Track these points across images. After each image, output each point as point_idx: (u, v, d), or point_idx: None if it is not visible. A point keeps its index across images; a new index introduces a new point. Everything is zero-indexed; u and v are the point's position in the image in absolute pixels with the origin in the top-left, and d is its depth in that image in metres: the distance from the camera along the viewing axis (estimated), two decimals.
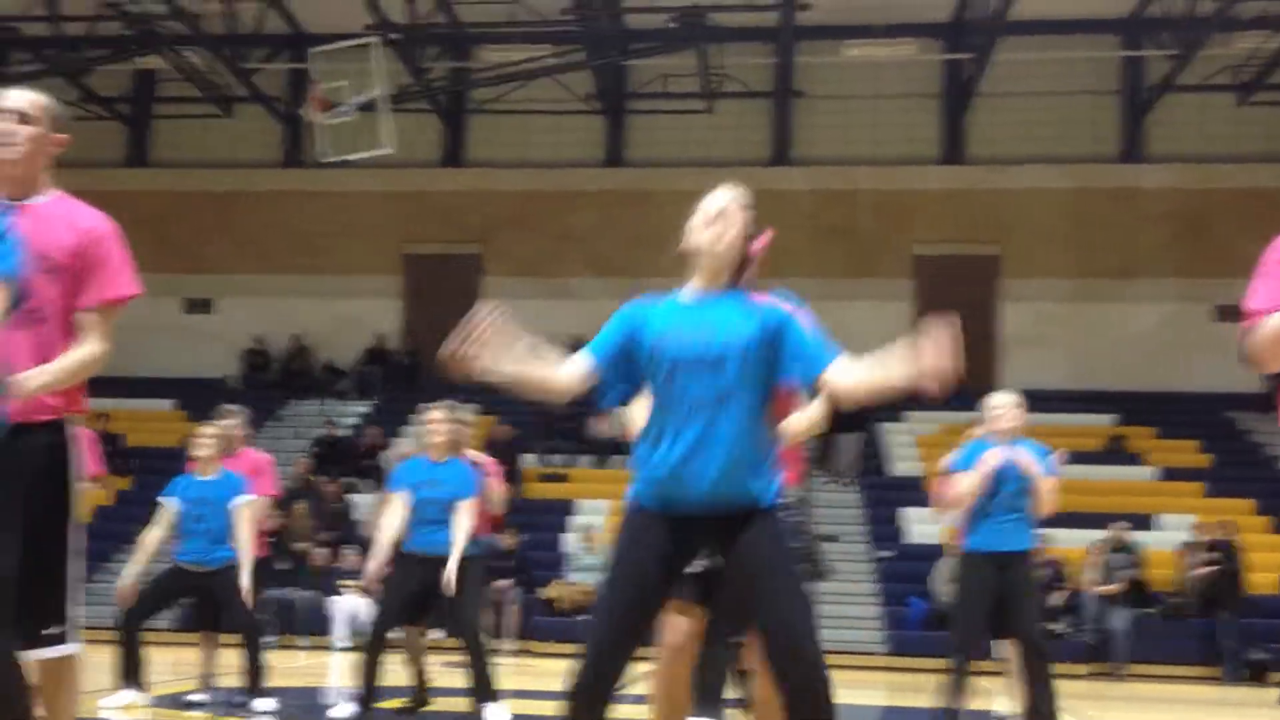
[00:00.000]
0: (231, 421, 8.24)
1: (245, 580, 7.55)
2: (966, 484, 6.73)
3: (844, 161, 21.26)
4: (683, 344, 3.53)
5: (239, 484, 7.71)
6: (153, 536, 7.78)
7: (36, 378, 3.37)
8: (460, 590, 7.16)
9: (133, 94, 22.56)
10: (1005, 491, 6.71)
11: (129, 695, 7.44)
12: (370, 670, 7.27)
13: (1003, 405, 6.86)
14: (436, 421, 7.42)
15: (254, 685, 7.58)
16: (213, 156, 22.37)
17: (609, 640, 3.50)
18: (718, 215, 3.69)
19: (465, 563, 7.24)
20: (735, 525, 3.47)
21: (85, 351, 3.50)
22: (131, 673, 7.48)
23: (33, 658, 3.37)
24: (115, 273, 3.59)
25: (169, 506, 7.75)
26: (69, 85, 20.78)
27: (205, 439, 7.79)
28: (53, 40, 19.98)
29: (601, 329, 3.70)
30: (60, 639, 3.41)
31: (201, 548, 7.62)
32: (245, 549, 7.62)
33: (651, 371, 3.57)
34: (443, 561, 7.18)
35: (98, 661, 7.00)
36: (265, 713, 7.51)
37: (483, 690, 7.24)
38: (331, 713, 7.33)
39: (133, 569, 7.78)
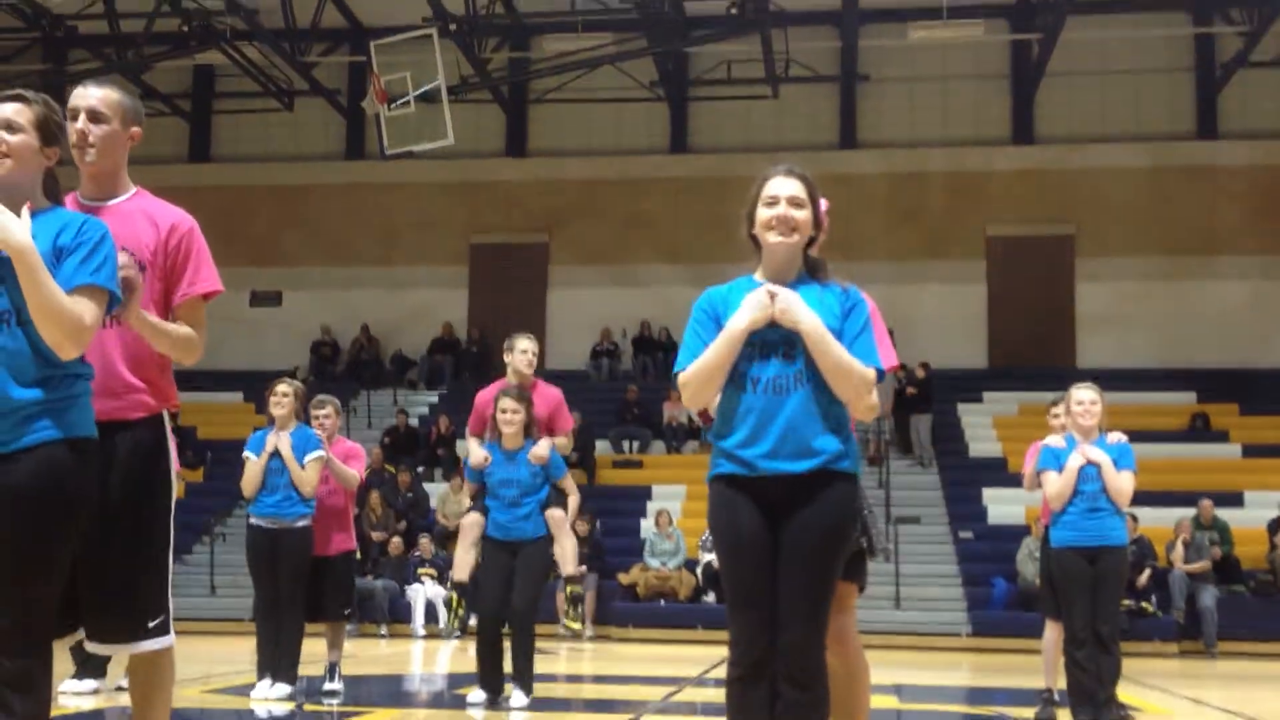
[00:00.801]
0: (325, 411, 8.07)
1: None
2: (1054, 489, 6.62)
3: (914, 144, 21.01)
4: (762, 329, 3.54)
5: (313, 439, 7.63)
6: None
7: (144, 318, 3.34)
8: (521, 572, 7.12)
9: (193, 90, 22.75)
10: (1086, 491, 6.60)
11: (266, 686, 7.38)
12: (487, 656, 7.17)
13: (1085, 401, 6.72)
14: (510, 410, 7.27)
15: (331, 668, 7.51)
16: (275, 151, 22.50)
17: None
18: (787, 203, 3.61)
19: (526, 544, 7.10)
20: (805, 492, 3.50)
21: (187, 330, 3.47)
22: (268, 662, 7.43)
23: (138, 650, 3.35)
24: (202, 267, 3.53)
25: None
26: (129, 82, 20.99)
27: (280, 396, 7.68)
28: (111, 38, 20.18)
29: (691, 330, 3.63)
30: (163, 630, 3.38)
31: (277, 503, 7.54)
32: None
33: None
34: (521, 545, 7.11)
35: (187, 653, 6.98)
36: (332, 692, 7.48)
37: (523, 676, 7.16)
38: (470, 697, 7.25)
39: None
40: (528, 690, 7.09)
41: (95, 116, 3.48)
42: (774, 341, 3.53)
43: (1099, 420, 6.70)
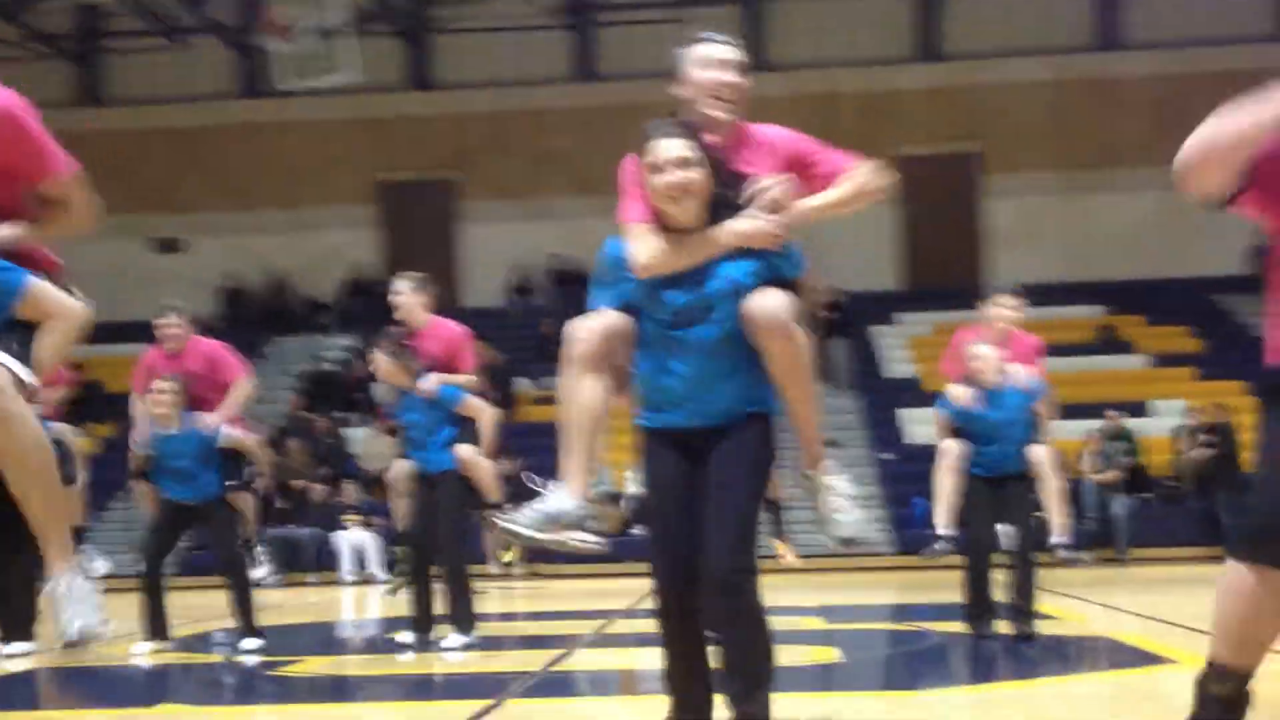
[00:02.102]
0: (170, 319, 7.88)
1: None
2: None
3: (822, 64, 20.94)
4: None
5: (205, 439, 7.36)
6: None
7: None
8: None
9: (78, 30, 21.89)
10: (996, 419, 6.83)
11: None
12: (415, 593, 7.13)
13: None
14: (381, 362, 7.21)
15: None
16: (169, 91, 21.77)
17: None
18: (676, 165, 3.47)
19: (441, 477, 7.06)
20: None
21: None
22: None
23: None
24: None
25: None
26: (7, 24, 20.16)
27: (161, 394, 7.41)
28: None
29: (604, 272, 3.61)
30: None
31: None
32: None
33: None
34: (439, 478, 7.04)
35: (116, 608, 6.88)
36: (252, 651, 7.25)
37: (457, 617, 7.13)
38: (399, 638, 7.21)
39: None
40: (464, 630, 7.02)
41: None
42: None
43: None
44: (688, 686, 3.60)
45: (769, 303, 3.46)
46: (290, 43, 17.51)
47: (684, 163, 3.47)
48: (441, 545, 7.00)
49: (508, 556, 7.64)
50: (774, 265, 3.56)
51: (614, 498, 15.21)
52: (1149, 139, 20.42)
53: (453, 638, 6.95)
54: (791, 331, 3.46)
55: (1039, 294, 18.53)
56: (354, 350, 19.84)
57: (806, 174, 3.75)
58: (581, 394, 3.56)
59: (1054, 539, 7.32)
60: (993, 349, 7.00)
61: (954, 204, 20.86)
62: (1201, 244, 19.33)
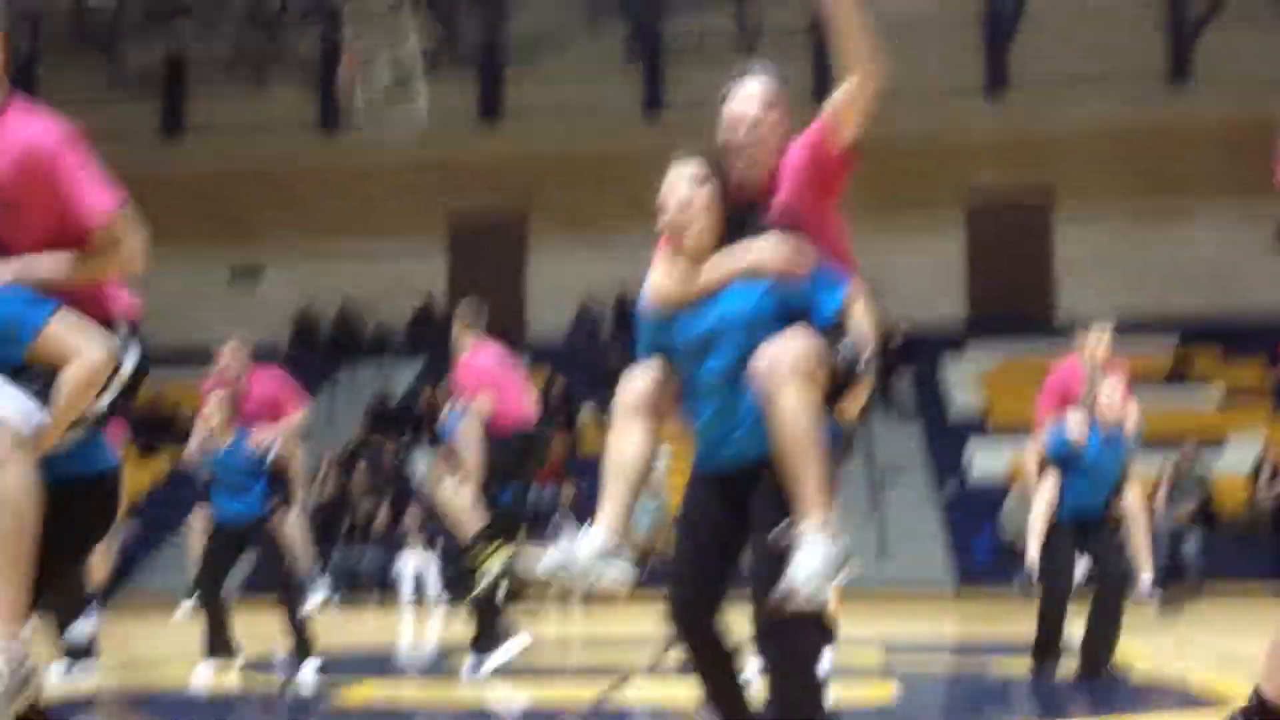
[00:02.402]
0: (229, 347, 8.04)
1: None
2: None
3: (887, 96, 20.85)
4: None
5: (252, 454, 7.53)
6: None
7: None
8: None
9: (165, 68, 22.51)
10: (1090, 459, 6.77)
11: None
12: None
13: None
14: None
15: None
16: (250, 127, 22.30)
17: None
18: (674, 205, 3.56)
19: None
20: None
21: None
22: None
23: None
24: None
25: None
26: (100, 62, 20.78)
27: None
28: (80, 18, 19.89)
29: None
30: None
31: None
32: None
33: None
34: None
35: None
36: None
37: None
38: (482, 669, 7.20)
39: None
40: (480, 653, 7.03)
41: None
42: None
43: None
44: (726, 710, 3.61)
45: (774, 349, 3.30)
46: (366, 81, 17.86)
47: (680, 203, 3.52)
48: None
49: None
50: (794, 297, 3.44)
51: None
52: (1220, 173, 20.19)
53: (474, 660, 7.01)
54: (788, 385, 3.25)
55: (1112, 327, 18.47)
56: (421, 377, 20.10)
57: (821, 152, 3.64)
58: (622, 441, 3.56)
59: (1142, 583, 7.19)
60: (1115, 388, 6.86)
61: (1023, 235, 20.71)
62: (1276, 277, 19.03)
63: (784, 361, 3.27)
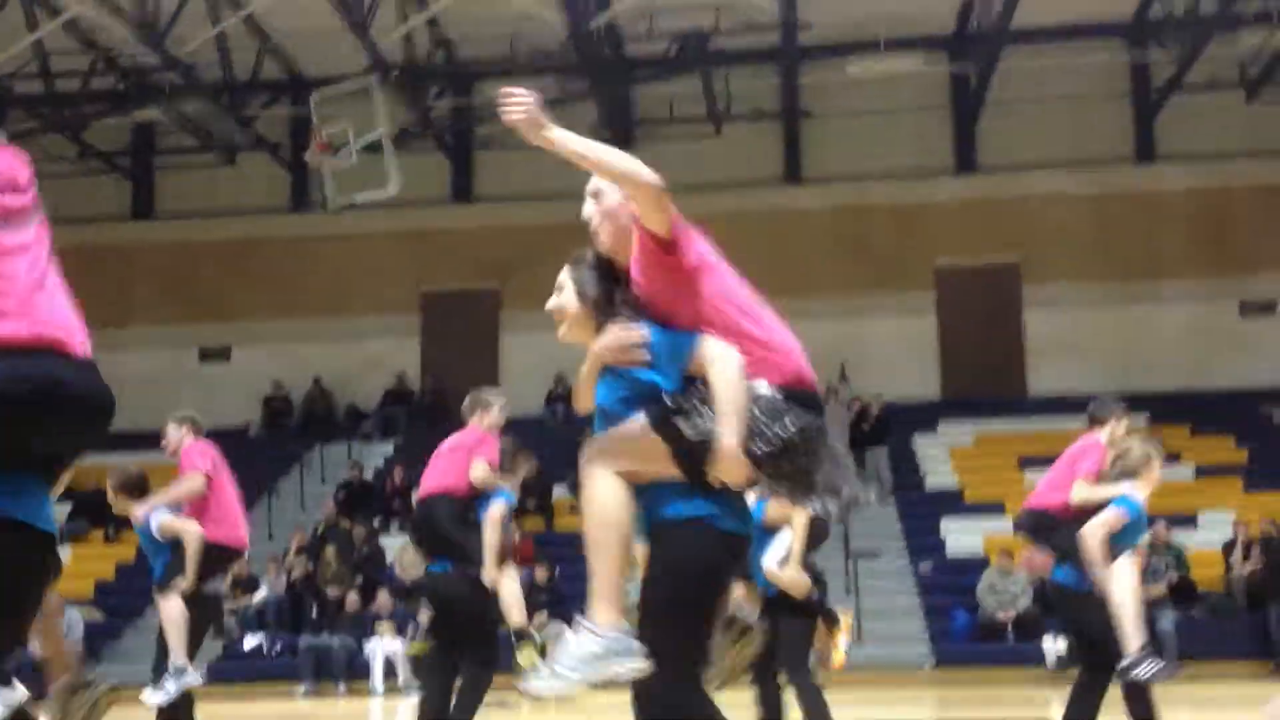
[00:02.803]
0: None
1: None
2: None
3: (858, 177, 21.15)
4: None
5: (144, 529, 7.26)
6: None
7: None
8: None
9: (132, 147, 22.55)
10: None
11: None
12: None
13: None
14: None
15: None
16: (220, 205, 22.30)
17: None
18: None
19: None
20: None
21: None
22: None
23: None
24: None
25: None
26: (67, 141, 20.78)
27: None
28: (48, 97, 19.94)
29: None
30: None
31: None
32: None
33: None
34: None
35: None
36: None
37: None
38: None
39: None
40: None
41: None
42: None
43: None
44: None
45: (592, 441, 3.44)
46: (335, 160, 17.90)
47: (558, 289, 3.68)
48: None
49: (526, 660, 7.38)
50: (639, 379, 3.46)
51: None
52: (1188, 251, 20.46)
53: None
54: (587, 477, 3.32)
55: (1079, 405, 18.57)
56: (393, 458, 19.94)
57: (643, 239, 3.59)
58: (601, 499, 3.37)
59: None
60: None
61: (993, 314, 20.86)
62: (1243, 354, 19.22)
63: (588, 453, 3.33)
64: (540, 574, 15.56)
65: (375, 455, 20.37)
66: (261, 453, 19.36)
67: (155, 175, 22.71)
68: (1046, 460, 7.58)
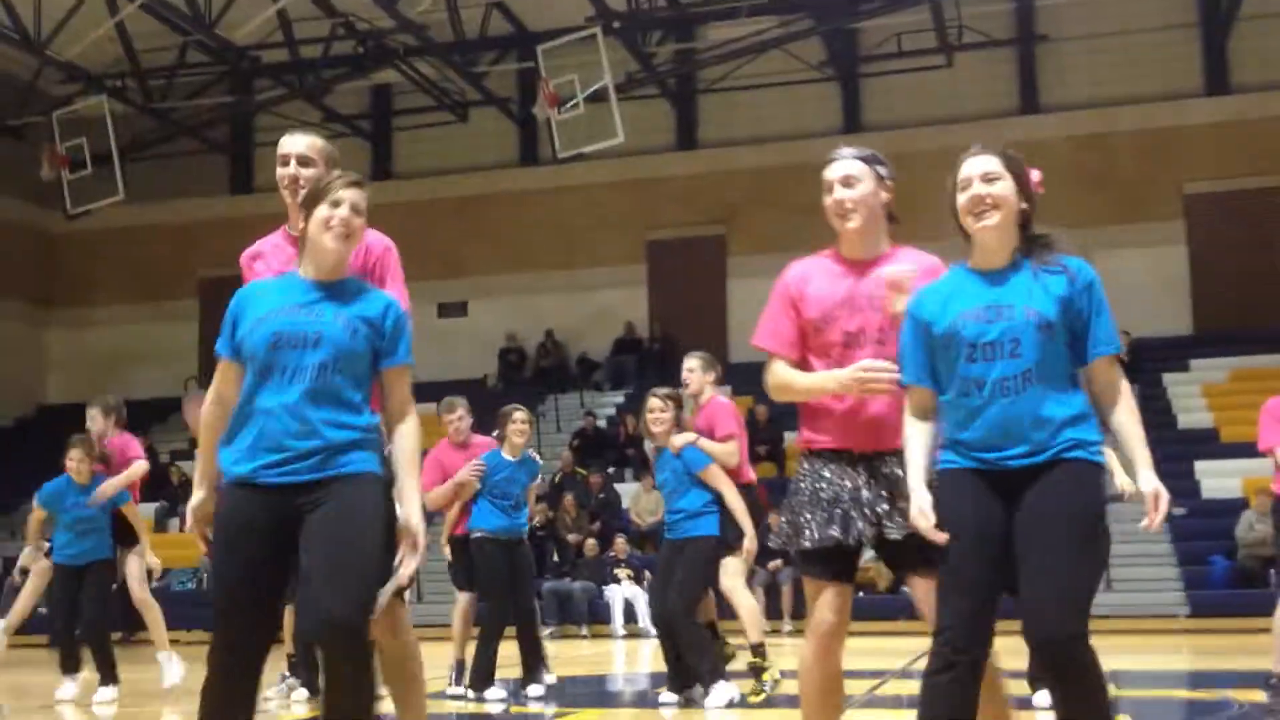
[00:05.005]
0: (455, 415, 8.34)
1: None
2: None
3: (1099, 103, 20.12)
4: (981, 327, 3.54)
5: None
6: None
7: None
8: (679, 572, 7.05)
9: (371, 109, 23.36)
10: None
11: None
12: (667, 655, 7.20)
13: None
14: (656, 410, 7.23)
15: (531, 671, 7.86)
16: (453, 163, 22.91)
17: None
18: (981, 180, 3.52)
19: (685, 543, 7.07)
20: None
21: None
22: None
23: None
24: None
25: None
26: (311, 107, 21.65)
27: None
28: (291, 65, 20.83)
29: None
30: None
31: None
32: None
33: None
34: (683, 544, 7.08)
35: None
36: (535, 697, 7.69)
37: (699, 675, 7.05)
38: (661, 697, 7.26)
39: None
40: (705, 686, 6.99)
41: (304, 161, 3.96)
42: (996, 341, 3.40)
43: None
44: None
45: None
46: (563, 112, 18.13)
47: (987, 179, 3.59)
48: (676, 610, 7.01)
49: (757, 698, 7.39)
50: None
51: None
52: None
53: (704, 693, 6.96)
54: None
55: None
56: (624, 406, 20.20)
57: None
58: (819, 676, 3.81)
59: None
60: None
61: (1249, 242, 19.57)
62: None
63: None
64: (773, 519, 15.51)
65: (607, 404, 20.68)
66: (499, 403, 19.79)
67: (393, 136, 23.48)
68: None
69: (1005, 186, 3.46)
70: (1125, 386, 3.48)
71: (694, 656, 7.03)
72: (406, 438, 3.66)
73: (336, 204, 3.57)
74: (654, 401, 7.24)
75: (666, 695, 7.21)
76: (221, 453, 3.56)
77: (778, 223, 20.93)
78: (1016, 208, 3.47)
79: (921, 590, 3.65)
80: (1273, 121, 19.38)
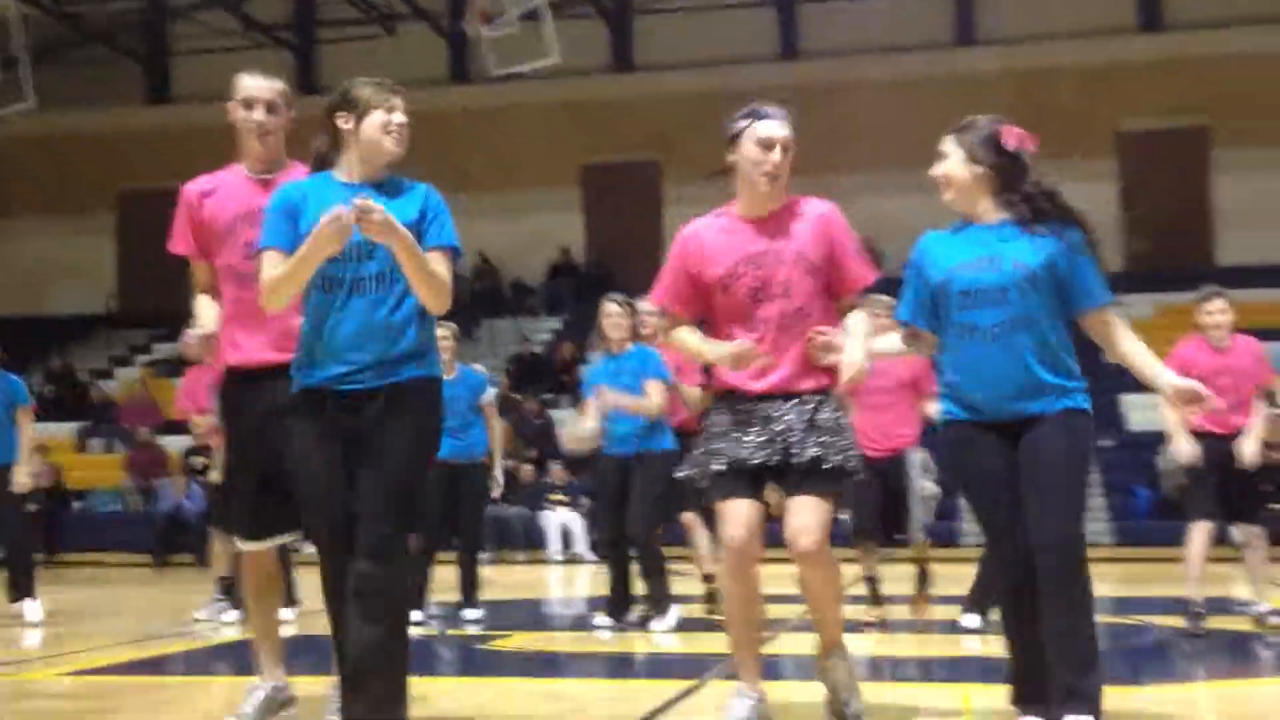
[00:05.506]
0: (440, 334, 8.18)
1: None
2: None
3: (1037, 37, 20.16)
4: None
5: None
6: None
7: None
8: (637, 490, 7.00)
9: (294, 19, 22.72)
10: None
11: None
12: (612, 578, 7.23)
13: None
14: (613, 315, 7.16)
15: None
16: (380, 78, 22.31)
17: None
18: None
19: (642, 459, 7.00)
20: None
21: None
22: None
23: None
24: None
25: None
26: (229, 14, 21.03)
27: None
28: None
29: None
30: None
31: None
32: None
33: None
34: (630, 461, 7.03)
35: None
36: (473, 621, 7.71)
37: (655, 599, 7.09)
38: (596, 620, 7.31)
39: None
40: (661, 612, 7.03)
41: (272, 108, 4.18)
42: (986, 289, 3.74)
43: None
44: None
45: None
46: (494, 29, 17.77)
47: (939, 156, 4.03)
48: (638, 533, 7.03)
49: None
50: None
51: None
52: None
53: (656, 620, 7.00)
54: None
55: (1273, 275, 17.62)
56: (560, 332, 20.13)
57: (832, 267, 3.97)
58: (739, 591, 3.99)
59: None
60: None
61: (1179, 181, 19.82)
62: None
63: None
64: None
65: (542, 330, 20.58)
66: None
67: (317, 49, 22.89)
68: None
69: (949, 164, 3.82)
70: (1121, 327, 3.85)
71: (655, 579, 7.05)
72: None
73: (392, 109, 3.88)
74: (611, 307, 7.19)
75: (602, 619, 7.24)
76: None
77: (715, 150, 20.81)
78: (970, 175, 3.79)
79: (792, 509, 3.94)
80: (1204, 60, 19.55)
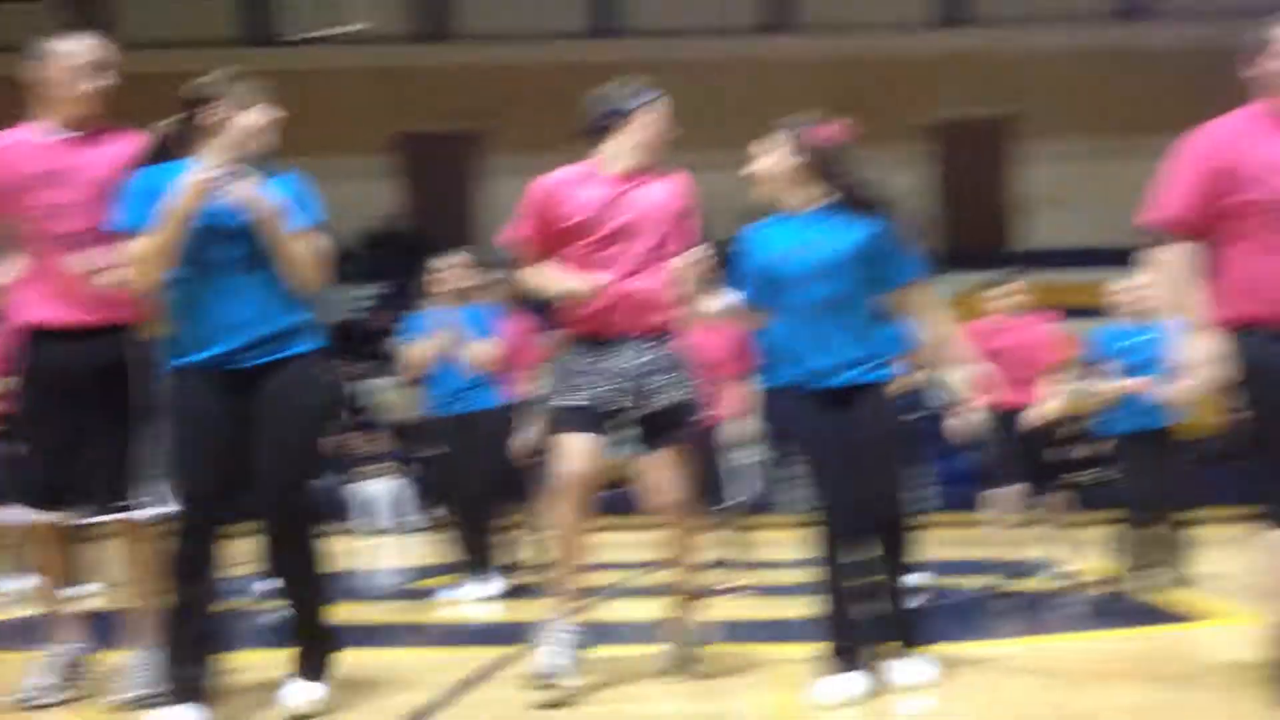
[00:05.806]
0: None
1: None
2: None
3: (849, 26, 20.69)
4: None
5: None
6: None
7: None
8: (478, 450, 6.99)
9: None
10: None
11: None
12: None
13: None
14: (456, 265, 7.13)
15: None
16: (173, 36, 21.36)
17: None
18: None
19: (478, 418, 7.01)
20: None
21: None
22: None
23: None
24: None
25: None
26: None
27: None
28: None
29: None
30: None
31: None
32: None
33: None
34: (465, 421, 7.01)
35: None
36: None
37: (468, 563, 7.04)
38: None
39: None
40: (483, 578, 7.07)
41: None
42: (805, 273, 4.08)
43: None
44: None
45: None
46: None
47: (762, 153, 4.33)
48: (473, 485, 7.01)
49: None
50: None
51: None
52: (1178, 107, 20.18)
53: (471, 587, 6.98)
54: None
55: (1071, 258, 18.53)
56: (379, 301, 19.86)
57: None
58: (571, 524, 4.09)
59: None
60: None
61: (979, 169, 20.69)
62: None
63: None
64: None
65: (361, 298, 20.27)
66: None
67: (109, 3, 21.78)
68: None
69: (767, 161, 4.09)
70: (930, 303, 4.14)
71: (479, 542, 7.02)
72: None
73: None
74: (454, 258, 7.22)
75: (456, 586, 7.19)
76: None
77: (532, 122, 20.77)
78: (788, 168, 4.06)
79: (652, 465, 4.13)
80: (1010, 55, 20.40)
